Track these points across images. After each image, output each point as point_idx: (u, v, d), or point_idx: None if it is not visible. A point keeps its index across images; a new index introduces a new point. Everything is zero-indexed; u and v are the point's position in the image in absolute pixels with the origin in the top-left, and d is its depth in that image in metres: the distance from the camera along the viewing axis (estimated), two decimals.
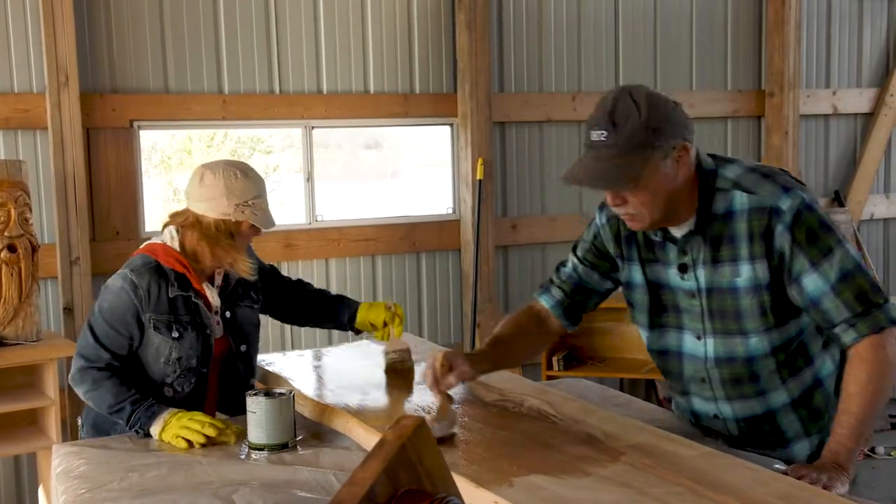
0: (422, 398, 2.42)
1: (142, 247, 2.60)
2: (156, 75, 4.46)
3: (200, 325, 2.53)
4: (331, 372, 2.90)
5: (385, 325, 2.79)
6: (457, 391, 2.29)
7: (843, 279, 1.93)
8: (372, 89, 4.95)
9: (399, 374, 2.70)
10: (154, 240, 2.60)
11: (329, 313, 2.90)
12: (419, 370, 2.73)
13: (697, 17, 5.80)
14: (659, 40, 5.68)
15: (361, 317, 2.83)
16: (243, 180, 2.51)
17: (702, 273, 2.07)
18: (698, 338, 2.12)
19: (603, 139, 1.94)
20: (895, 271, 6.66)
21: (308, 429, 2.36)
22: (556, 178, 5.43)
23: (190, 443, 2.31)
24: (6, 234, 3.62)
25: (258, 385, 2.76)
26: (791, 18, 5.87)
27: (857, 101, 6.36)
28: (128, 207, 4.42)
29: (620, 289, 2.30)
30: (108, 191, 4.38)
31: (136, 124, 4.44)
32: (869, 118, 6.43)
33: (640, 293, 2.20)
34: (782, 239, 1.95)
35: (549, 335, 2.41)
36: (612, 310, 4.50)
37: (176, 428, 2.32)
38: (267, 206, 2.57)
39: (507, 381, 2.54)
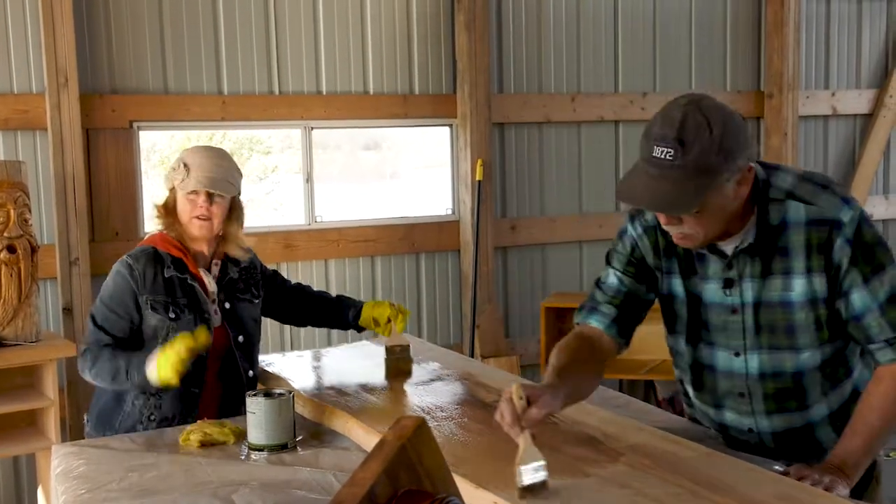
0: (421, 399, 2.42)
1: (143, 239, 2.78)
2: (155, 76, 4.46)
3: (198, 310, 2.64)
4: (330, 372, 2.90)
5: (388, 321, 2.85)
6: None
7: (891, 299, 1.90)
8: (371, 90, 4.95)
9: (399, 369, 2.75)
10: (154, 231, 2.76)
11: (331, 313, 2.98)
12: (416, 368, 2.74)
13: (697, 18, 5.80)
14: (658, 41, 5.68)
15: (367, 313, 2.90)
16: (181, 153, 2.70)
17: (749, 287, 1.99)
18: (737, 354, 2.04)
19: (668, 158, 1.79)
20: None
21: (308, 429, 2.36)
22: (556, 179, 5.44)
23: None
24: (6, 234, 3.61)
25: (259, 385, 2.77)
26: (790, 19, 5.87)
27: (856, 102, 6.37)
28: (127, 208, 4.42)
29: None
30: (107, 191, 4.38)
31: (135, 125, 4.44)
32: (868, 119, 6.43)
33: (680, 306, 2.10)
34: (842, 252, 1.90)
35: (603, 361, 2.14)
36: None
37: (165, 366, 2.39)
38: (189, 171, 2.64)
39: (506, 382, 2.53)
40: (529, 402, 1.76)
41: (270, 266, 3.05)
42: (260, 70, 4.67)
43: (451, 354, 3.09)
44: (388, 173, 5.37)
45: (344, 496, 1.12)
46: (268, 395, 2.25)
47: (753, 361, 2.03)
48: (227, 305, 2.73)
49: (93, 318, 2.62)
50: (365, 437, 2.17)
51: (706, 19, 5.83)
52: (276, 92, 4.72)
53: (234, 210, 2.75)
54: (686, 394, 2.27)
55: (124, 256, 2.66)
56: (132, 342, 2.60)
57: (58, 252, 4.19)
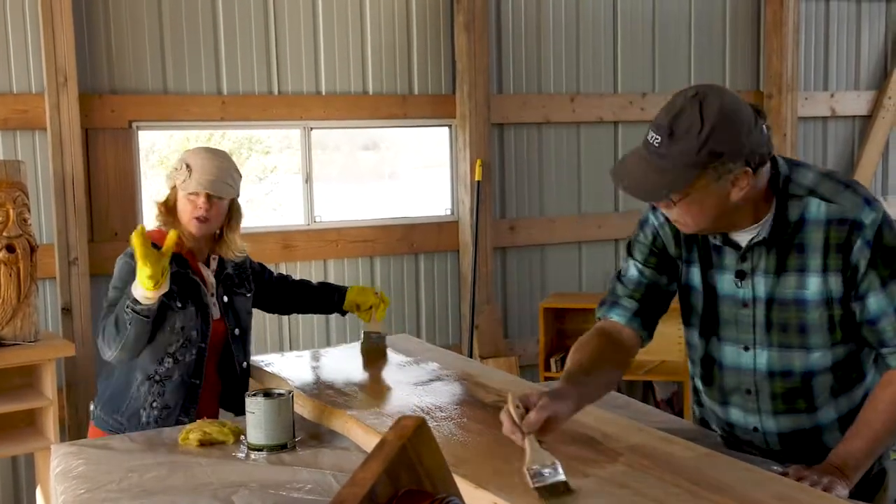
0: (421, 399, 2.42)
1: None
2: (154, 76, 4.46)
3: (200, 302, 2.73)
4: (330, 372, 2.90)
5: (370, 308, 3.04)
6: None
7: None
8: (370, 90, 4.95)
9: (374, 353, 2.97)
10: (153, 229, 2.83)
11: (315, 298, 3.15)
12: (416, 368, 2.74)
13: (696, 18, 5.81)
14: (657, 42, 5.68)
15: (351, 297, 3.07)
16: (183, 154, 2.77)
17: (761, 282, 1.97)
18: (745, 349, 2.03)
19: (656, 145, 1.81)
20: None
21: (307, 429, 2.36)
22: (555, 180, 5.44)
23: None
24: (5, 234, 3.61)
25: (258, 385, 2.78)
26: (789, 20, 5.88)
27: (855, 103, 6.38)
28: (126, 208, 4.42)
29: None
30: (106, 191, 4.38)
31: (134, 125, 4.44)
32: (867, 120, 6.44)
33: (696, 297, 2.09)
34: (861, 254, 1.87)
35: (626, 356, 2.12)
36: None
37: (142, 277, 2.46)
38: (191, 172, 2.70)
39: (506, 383, 2.54)
40: (528, 409, 1.76)
41: (270, 266, 3.12)
42: (259, 70, 4.67)
43: (449, 355, 3.09)
44: (387, 173, 5.38)
45: (345, 496, 1.12)
46: (267, 395, 2.25)
47: (762, 358, 2.02)
48: (226, 299, 2.84)
49: (106, 303, 2.69)
50: (364, 437, 2.17)
51: (705, 20, 5.83)
52: (276, 92, 4.72)
53: (232, 212, 2.83)
54: (696, 390, 2.26)
55: (128, 249, 2.71)
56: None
57: (57, 252, 4.19)
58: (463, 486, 1.68)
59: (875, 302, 1.89)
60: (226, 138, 5.05)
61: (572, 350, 2.05)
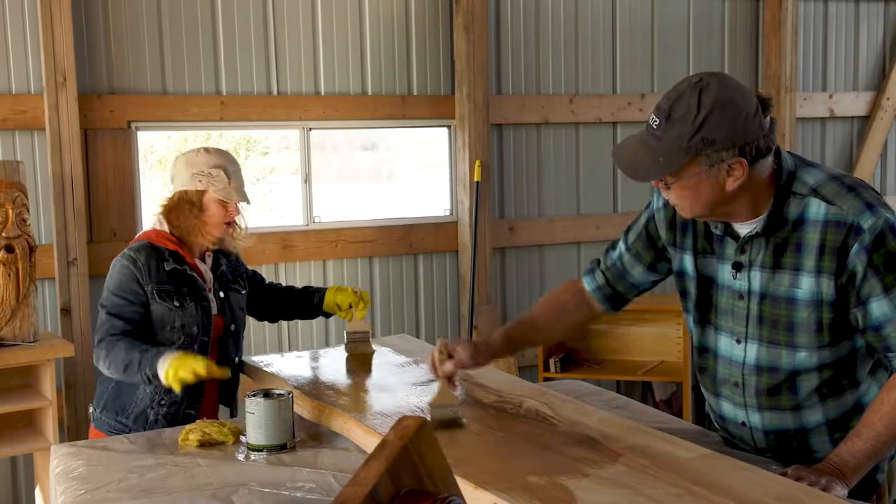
0: (421, 399, 2.42)
1: (136, 237, 2.88)
2: (153, 76, 4.46)
3: (199, 297, 2.77)
4: (329, 373, 2.90)
5: (350, 307, 3.02)
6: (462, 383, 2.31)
7: None
8: (370, 91, 4.95)
9: (358, 353, 2.97)
10: (145, 228, 2.89)
11: (298, 303, 3.15)
12: (416, 368, 2.74)
13: (695, 19, 5.82)
14: (656, 42, 5.69)
15: (329, 298, 3.07)
16: (204, 155, 2.77)
17: (757, 276, 1.99)
18: (738, 341, 2.05)
19: (654, 127, 1.87)
20: None
21: (307, 430, 2.36)
22: (554, 180, 5.45)
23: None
24: (4, 234, 3.61)
25: (257, 386, 2.78)
26: (788, 21, 5.88)
27: (854, 104, 6.38)
28: (125, 208, 4.42)
29: (673, 278, 2.21)
30: (105, 192, 4.38)
31: (133, 125, 4.44)
32: (865, 121, 6.45)
33: (690, 283, 2.12)
34: (857, 259, 1.86)
35: (589, 314, 2.36)
36: None
37: (174, 368, 2.46)
38: (230, 180, 2.75)
39: (505, 383, 2.54)
40: (451, 356, 2.16)
41: (270, 266, 3.13)
42: (258, 70, 4.67)
43: None
44: (386, 174, 5.38)
45: (347, 495, 1.12)
46: (267, 395, 2.26)
47: (751, 351, 2.03)
48: (222, 294, 2.88)
49: (104, 310, 2.71)
50: (364, 437, 2.17)
51: (704, 21, 5.84)
52: (275, 92, 4.72)
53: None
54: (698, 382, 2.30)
55: (124, 251, 2.77)
56: (145, 328, 2.71)
57: (56, 252, 4.19)
58: (463, 486, 1.68)
59: (878, 308, 1.88)
60: (224, 139, 5.05)
61: (543, 298, 2.37)
